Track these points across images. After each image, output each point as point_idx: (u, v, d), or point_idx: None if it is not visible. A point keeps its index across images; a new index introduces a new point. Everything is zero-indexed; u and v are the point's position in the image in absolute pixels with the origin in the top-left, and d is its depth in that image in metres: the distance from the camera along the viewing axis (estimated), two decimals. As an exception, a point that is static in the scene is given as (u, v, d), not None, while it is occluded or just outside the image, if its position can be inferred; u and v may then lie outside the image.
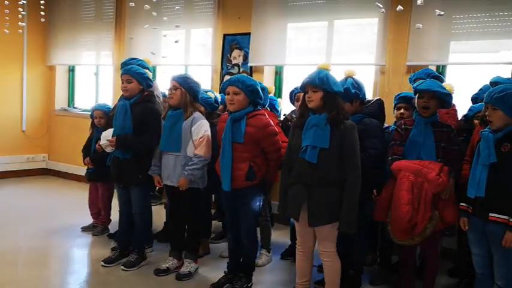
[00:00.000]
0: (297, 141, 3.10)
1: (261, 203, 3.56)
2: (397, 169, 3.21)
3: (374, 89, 4.94)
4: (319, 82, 2.98)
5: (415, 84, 3.38)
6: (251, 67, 5.73)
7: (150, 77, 4.01)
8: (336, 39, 5.16)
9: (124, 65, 4.14)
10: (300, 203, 3.07)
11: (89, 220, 4.99)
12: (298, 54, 5.50)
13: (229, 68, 5.91)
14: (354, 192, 2.98)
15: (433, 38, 4.56)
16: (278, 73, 5.82)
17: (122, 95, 3.91)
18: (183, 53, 6.22)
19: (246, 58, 5.75)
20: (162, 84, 6.24)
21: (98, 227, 4.87)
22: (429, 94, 3.21)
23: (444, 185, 3.09)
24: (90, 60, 7.36)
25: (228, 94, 3.38)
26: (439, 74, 4.04)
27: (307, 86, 3.05)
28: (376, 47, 4.89)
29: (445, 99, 3.25)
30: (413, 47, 4.67)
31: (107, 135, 3.94)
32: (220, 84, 5.93)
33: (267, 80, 5.71)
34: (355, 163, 2.99)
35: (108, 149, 3.97)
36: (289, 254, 4.32)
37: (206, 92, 4.19)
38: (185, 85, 3.62)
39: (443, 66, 4.71)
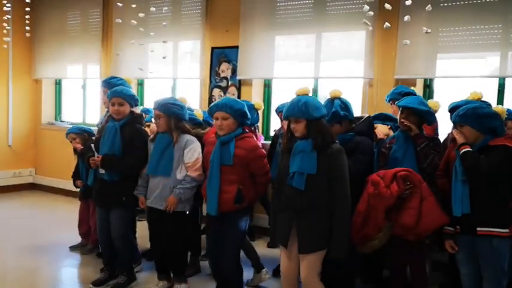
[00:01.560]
0: (285, 167, 3.09)
1: (247, 225, 3.55)
2: (367, 180, 3.27)
3: (362, 101, 4.97)
4: (300, 113, 2.97)
5: (399, 101, 3.42)
6: (239, 80, 5.74)
7: None
8: (324, 52, 5.18)
9: (108, 84, 4.11)
10: (288, 229, 3.05)
11: (77, 238, 4.95)
12: (286, 67, 5.52)
13: (217, 81, 5.91)
14: (343, 217, 2.97)
15: (420, 52, 4.60)
16: (267, 85, 5.83)
17: (110, 115, 3.87)
18: (171, 66, 6.20)
19: (234, 71, 5.75)
20: (150, 100, 6.28)
21: (87, 246, 4.82)
22: (408, 110, 3.26)
23: (391, 198, 3.07)
24: (77, 73, 7.32)
25: (217, 119, 3.38)
26: (411, 90, 4.07)
27: (290, 117, 3.05)
28: (364, 60, 4.93)
29: (424, 116, 3.29)
30: (401, 60, 4.70)
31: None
32: (209, 97, 5.95)
33: (256, 93, 5.71)
34: (343, 188, 2.97)
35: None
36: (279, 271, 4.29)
37: (193, 111, 4.20)
38: (168, 112, 3.61)
39: (431, 79, 4.75)
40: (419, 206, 3.05)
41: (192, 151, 3.62)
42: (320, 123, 3.02)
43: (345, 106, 3.43)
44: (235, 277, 3.54)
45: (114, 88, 3.88)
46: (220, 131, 3.38)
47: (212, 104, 3.49)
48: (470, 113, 2.91)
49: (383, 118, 3.80)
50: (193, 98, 6.08)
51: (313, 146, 2.96)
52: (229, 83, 5.82)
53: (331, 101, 3.43)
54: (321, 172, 2.95)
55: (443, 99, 4.42)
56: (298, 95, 3.11)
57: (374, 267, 4.03)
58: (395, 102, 3.49)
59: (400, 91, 4.04)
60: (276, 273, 4.34)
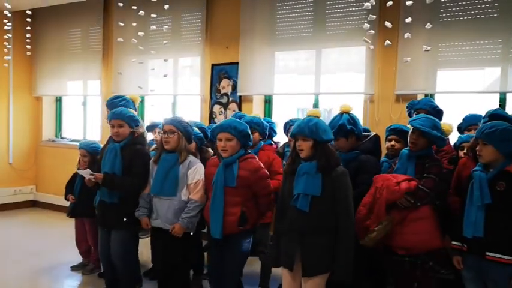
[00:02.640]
0: (289, 188, 3.08)
1: (250, 246, 3.53)
2: (375, 178, 3.28)
3: (364, 117, 4.97)
4: (309, 132, 2.98)
5: (412, 118, 3.40)
6: (240, 96, 5.75)
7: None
8: (324, 68, 5.20)
9: (110, 104, 4.11)
10: (293, 252, 3.03)
11: (78, 257, 4.91)
12: (286, 83, 5.53)
13: (218, 97, 5.92)
14: (348, 240, 2.95)
15: (420, 67, 4.62)
16: (268, 101, 5.84)
17: (110, 137, 3.87)
18: (172, 82, 6.22)
19: (234, 87, 5.77)
20: (150, 117, 6.28)
21: (88, 265, 4.80)
22: (420, 132, 3.23)
23: (399, 194, 3.10)
24: (78, 90, 7.33)
25: (220, 140, 3.37)
26: (436, 105, 4.04)
27: (297, 136, 3.05)
28: (365, 76, 4.94)
29: (435, 141, 3.26)
30: (401, 75, 4.72)
31: (86, 174, 3.83)
32: (210, 113, 5.96)
33: (256, 109, 5.72)
34: (347, 210, 2.97)
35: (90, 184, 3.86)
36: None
37: (195, 125, 4.19)
38: (182, 129, 3.61)
39: (432, 94, 4.76)
40: (427, 231, 3.10)
41: (195, 172, 3.61)
42: (326, 146, 3.03)
43: (353, 121, 3.44)
44: None
45: (113, 110, 3.88)
46: (224, 153, 3.37)
47: (216, 125, 3.49)
48: (498, 134, 2.81)
49: (399, 132, 3.72)
50: (194, 114, 6.10)
51: (318, 167, 2.96)
52: (230, 99, 5.83)
53: (340, 114, 3.46)
54: (326, 194, 2.95)
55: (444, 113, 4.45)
56: (309, 116, 3.12)
57: (378, 283, 4.00)
58: (410, 120, 3.42)
59: (434, 106, 3.94)
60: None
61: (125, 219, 3.76)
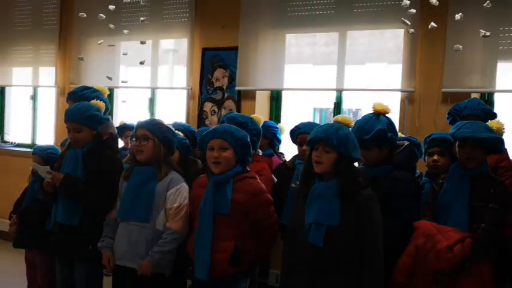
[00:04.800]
0: (300, 215, 3.10)
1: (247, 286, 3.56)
2: (415, 227, 3.27)
3: (400, 122, 5.02)
4: (337, 142, 2.99)
5: (452, 130, 3.42)
6: (239, 92, 5.80)
7: (103, 110, 4.04)
8: (349, 56, 5.26)
9: (77, 98, 4.15)
10: None
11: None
12: (300, 75, 5.58)
13: (210, 92, 5.97)
14: (375, 284, 2.98)
15: (475, 58, 4.67)
16: (275, 98, 5.90)
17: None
18: (149, 72, 6.28)
19: (232, 80, 5.82)
20: (120, 117, 6.32)
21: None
22: (472, 142, 3.27)
23: (454, 262, 3.09)
24: (26, 79, 7.39)
25: (212, 149, 3.37)
26: (490, 109, 4.08)
27: (319, 143, 3.06)
28: (403, 68, 4.99)
29: (493, 145, 3.29)
30: (450, 69, 4.77)
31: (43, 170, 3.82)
32: (199, 113, 6.01)
33: (260, 108, 5.78)
34: (376, 249, 3.00)
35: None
36: None
37: (179, 128, 4.23)
38: (159, 135, 3.61)
39: (490, 94, 4.80)
40: None
41: (177, 194, 3.60)
42: (353, 165, 3.07)
43: (392, 127, 3.46)
44: None
45: (68, 108, 3.92)
46: (216, 167, 3.35)
47: (207, 131, 3.50)
48: None
49: (442, 142, 3.74)
50: (179, 113, 6.15)
51: (340, 190, 2.98)
52: (226, 95, 5.88)
53: (376, 116, 3.43)
54: (346, 224, 2.97)
55: (506, 118, 4.48)
56: (338, 122, 3.14)
57: None
58: (451, 131, 3.44)
59: (482, 107, 4.00)
60: None
61: (90, 246, 3.76)
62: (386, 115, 3.49)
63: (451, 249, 3.09)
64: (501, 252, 3.41)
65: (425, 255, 3.15)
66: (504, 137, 3.44)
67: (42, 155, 4.60)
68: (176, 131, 3.93)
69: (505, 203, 3.21)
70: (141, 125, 3.66)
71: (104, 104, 4.22)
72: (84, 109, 3.83)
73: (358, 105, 6.30)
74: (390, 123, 3.46)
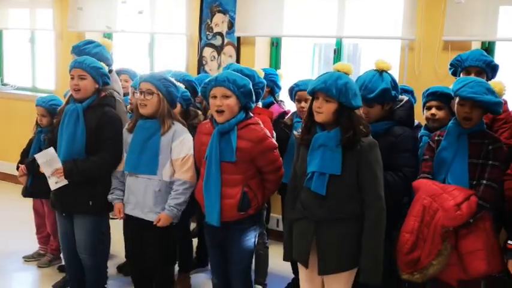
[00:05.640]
0: (302, 165, 3.15)
1: (257, 239, 3.67)
2: (416, 188, 3.32)
3: (400, 70, 5.01)
4: (336, 92, 3.00)
5: (455, 86, 3.41)
6: (238, 38, 5.76)
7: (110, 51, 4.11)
8: (349, 3, 5.19)
9: (79, 52, 4.14)
10: (307, 245, 3.15)
11: (33, 244, 5.06)
12: (300, 21, 5.51)
13: (209, 37, 5.92)
14: (377, 231, 3.05)
15: (477, 4, 4.59)
16: (275, 44, 5.85)
17: (71, 95, 3.93)
18: (148, 18, 6.18)
19: (231, 25, 5.76)
20: (120, 64, 6.28)
21: (45, 256, 4.97)
22: (473, 103, 3.28)
23: (461, 220, 3.16)
24: (23, 22, 7.30)
25: (215, 98, 3.39)
26: (491, 60, 4.03)
27: (319, 93, 3.07)
28: (404, 15, 4.93)
29: (491, 108, 3.30)
30: (451, 16, 4.70)
31: (45, 157, 3.87)
32: (199, 59, 5.98)
33: (260, 55, 5.75)
34: (376, 193, 3.05)
35: (52, 181, 3.89)
36: (293, 289, 4.47)
37: (177, 78, 4.21)
38: (163, 90, 3.65)
39: (491, 42, 4.77)
40: (488, 246, 3.17)
41: (182, 145, 3.68)
42: (354, 113, 3.08)
43: (395, 85, 3.48)
44: None
45: (76, 58, 3.93)
46: (219, 116, 3.40)
47: (209, 79, 3.48)
48: None
49: (440, 96, 3.73)
50: (179, 59, 6.12)
51: (342, 140, 3.01)
52: (225, 40, 5.84)
53: (380, 73, 3.45)
54: (348, 172, 3.02)
55: (507, 68, 4.46)
56: (337, 70, 3.14)
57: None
58: (453, 88, 3.43)
59: (488, 61, 3.96)
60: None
61: (91, 202, 3.86)
62: (389, 72, 3.52)
63: (459, 207, 3.14)
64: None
65: (432, 216, 3.20)
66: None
67: (45, 106, 4.65)
68: (178, 84, 3.93)
69: (503, 159, 3.27)
70: (145, 79, 3.69)
71: (111, 43, 4.36)
72: (91, 60, 3.88)
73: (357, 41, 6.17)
74: (393, 80, 3.49)
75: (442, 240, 3.19)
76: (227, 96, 3.37)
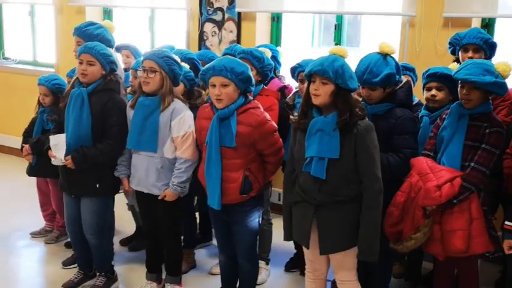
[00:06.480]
0: (300, 149, 3.20)
1: (260, 218, 3.76)
2: (412, 164, 3.41)
3: (401, 47, 5.01)
4: (332, 73, 3.03)
5: (457, 69, 3.42)
6: (239, 13, 5.74)
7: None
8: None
9: (81, 34, 4.15)
10: (307, 227, 3.23)
11: (39, 220, 5.15)
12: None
13: (210, 12, 5.90)
14: (374, 211, 3.13)
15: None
16: (275, 19, 5.84)
17: (76, 78, 3.95)
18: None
19: (232, 0, 5.74)
20: (121, 39, 6.26)
21: (52, 232, 5.05)
22: (470, 85, 3.29)
23: (439, 201, 3.24)
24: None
25: (213, 86, 3.43)
26: (489, 37, 4.04)
27: (316, 75, 3.10)
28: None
29: (491, 89, 3.31)
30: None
31: (57, 140, 3.95)
32: (200, 34, 5.97)
33: (260, 31, 5.74)
34: (373, 174, 3.10)
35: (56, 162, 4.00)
36: (295, 264, 4.56)
37: (178, 55, 4.22)
38: (166, 68, 3.68)
39: (491, 19, 4.76)
40: (469, 227, 3.25)
41: (181, 122, 3.72)
42: (350, 96, 3.11)
43: (399, 69, 3.51)
44: (254, 275, 3.86)
45: (86, 43, 3.93)
46: (219, 103, 3.44)
47: (207, 67, 3.50)
48: None
49: (440, 77, 3.71)
50: (179, 34, 6.10)
51: (338, 122, 3.05)
52: (226, 16, 5.82)
53: (384, 57, 3.48)
54: (346, 155, 3.07)
55: (507, 44, 4.46)
56: (333, 54, 3.16)
57: (412, 261, 4.28)
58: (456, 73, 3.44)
59: (485, 38, 3.97)
60: (289, 267, 4.62)
61: (97, 184, 3.94)
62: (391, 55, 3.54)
63: (440, 188, 3.23)
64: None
65: (416, 193, 3.31)
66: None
67: (48, 85, 4.66)
68: (182, 64, 3.95)
69: (497, 144, 3.29)
70: (149, 57, 3.71)
71: (113, 25, 4.40)
72: (101, 46, 3.90)
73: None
74: (397, 64, 3.53)
75: (423, 217, 3.31)
76: (226, 85, 3.40)
